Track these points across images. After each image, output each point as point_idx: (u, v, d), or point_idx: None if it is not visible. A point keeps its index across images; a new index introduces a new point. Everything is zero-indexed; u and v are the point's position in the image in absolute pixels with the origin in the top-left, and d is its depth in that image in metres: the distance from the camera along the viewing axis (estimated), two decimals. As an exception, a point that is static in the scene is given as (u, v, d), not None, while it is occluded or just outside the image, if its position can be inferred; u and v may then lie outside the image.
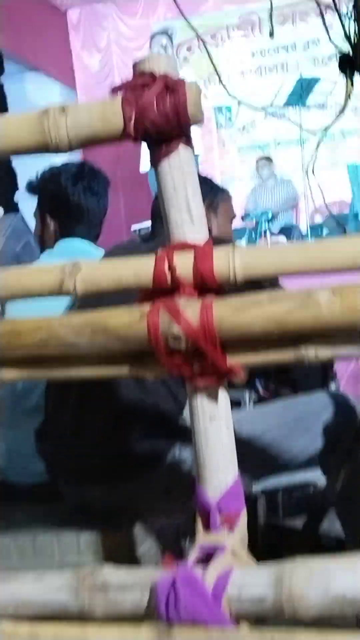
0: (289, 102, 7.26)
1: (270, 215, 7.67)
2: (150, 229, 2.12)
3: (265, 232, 7.58)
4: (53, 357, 1.17)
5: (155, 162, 1.20)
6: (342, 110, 1.58)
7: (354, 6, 1.51)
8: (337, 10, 1.54)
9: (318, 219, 8.36)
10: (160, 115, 1.16)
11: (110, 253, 1.92)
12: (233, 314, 1.10)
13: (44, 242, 2.33)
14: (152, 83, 1.18)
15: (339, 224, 6.20)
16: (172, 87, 1.17)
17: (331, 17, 1.76)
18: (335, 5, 1.55)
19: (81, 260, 1.19)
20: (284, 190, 8.07)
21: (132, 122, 1.17)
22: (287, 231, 7.76)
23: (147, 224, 4.68)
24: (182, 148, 1.18)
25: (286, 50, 8.45)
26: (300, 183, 7.85)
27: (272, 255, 1.13)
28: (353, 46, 1.55)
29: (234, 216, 2.36)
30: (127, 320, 1.14)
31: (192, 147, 1.20)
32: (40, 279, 1.20)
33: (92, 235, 2.23)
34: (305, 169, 7.66)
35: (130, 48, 9.16)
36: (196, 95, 1.17)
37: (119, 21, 9.09)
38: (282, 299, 1.09)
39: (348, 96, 1.56)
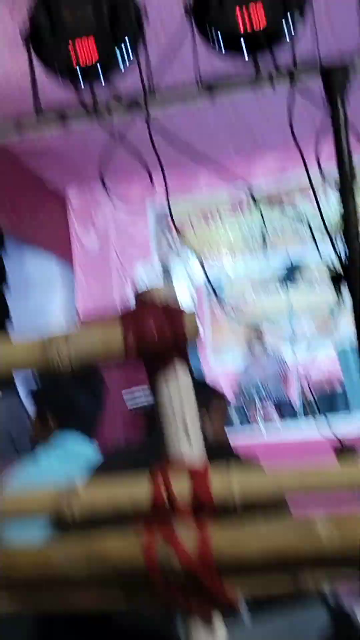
0: (277, 286, 7.50)
1: (261, 389, 7.72)
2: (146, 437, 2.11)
3: (256, 407, 7.59)
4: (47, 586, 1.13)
5: (151, 376, 1.22)
6: (332, 332, 1.62)
7: (344, 232, 1.59)
8: (329, 233, 1.62)
9: (312, 394, 8.39)
10: (158, 335, 1.19)
11: (106, 465, 1.90)
12: (232, 545, 1.08)
13: (37, 434, 2.32)
14: (153, 313, 1.21)
15: (329, 402, 6.25)
16: (172, 317, 1.21)
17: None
18: (326, 229, 1.63)
19: (78, 486, 1.18)
20: (275, 365, 8.16)
21: (133, 345, 1.20)
22: (280, 406, 7.78)
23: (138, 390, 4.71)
24: (178, 365, 1.20)
25: (275, 230, 8.79)
26: (291, 357, 7.96)
27: (269, 478, 1.13)
28: (343, 265, 1.62)
29: (229, 420, 2.37)
30: (124, 550, 1.11)
31: (188, 362, 1.22)
32: (37, 504, 1.19)
33: (89, 431, 2.22)
34: (295, 345, 7.79)
35: (126, 227, 9.54)
36: (194, 324, 1.21)
37: (116, 201, 9.49)
38: (282, 530, 1.07)
39: (339, 309, 1.61)
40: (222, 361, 9.22)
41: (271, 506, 1.39)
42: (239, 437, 6.63)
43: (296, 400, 7.76)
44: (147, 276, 7.08)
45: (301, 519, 1.08)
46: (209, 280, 7.27)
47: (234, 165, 9.19)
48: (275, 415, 7.58)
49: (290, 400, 7.96)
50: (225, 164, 9.09)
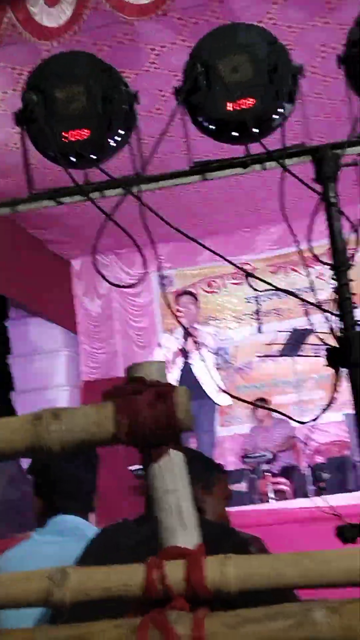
0: (284, 352, 7.51)
1: (269, 456, 7.64)
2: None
3: (265, 472, 7.50)
4: None
5: (145, 464, 1.21)
6: (329, 404, 1.62)
7: (338, 304, 1.61)
8: (321, 308, 1.64)
9: (319, 459, 8.32)
10: (151, 422, 1.18)
11: (101, 539, 1.88)
12: (227, 632, 1.05)
13: (36, 510, 2.30)
14: (143, 390, 1.21)
15: (339, 467, 6.17)
16: (163, 394, 1.20)
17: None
18: (318, 304, 1.64)
19: (69, 568, 1.16)
20: (282, 430, 8.11)
21: (125, 428, 1.19)
22: (288, 471, 7.69)
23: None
24: (172, 452, 1.19)
25: (279, 298, 8.85)
26: (297, 423, 7.89)
27: (268, 564, 1.11)
28: (339, 340, 1.63)
29: (230, 496, 2.33)
30: (116, 635, 1.09)
31: (182, 451, 1.21)
32: (27, 587, 1.16)
33: (87, 509, 2.20)
34: (303, 411, 7.74)
35: (129, 294, 9.62)
36: (186, 401, 1.20)
37: (119, 270, 9.60)
38: (279, 616, 1.05)
39: (335, 388, 1.61)
40: (229, 427, 9.18)
41: (270, 592, 1.36)
42: (246, 506, 6.58)
43: (305, 466, 7.68)
44: (166, 343, 7.12)
45: (299, 606, 1.06)
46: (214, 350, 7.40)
47: (238, 237, 9.39)
48: (283, 481, 7.49)
49: (298, 467, 7.88)
50: (231, 236, 9.30)
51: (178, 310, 7.02)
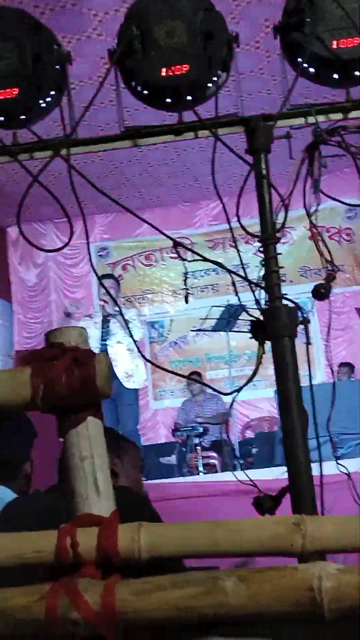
0: (217, 327, 7.54)
1: (200, 430, 7.69)
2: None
3: (196, 446, 7.55)
4: None
5: (63, 431, 1.19)
6: (253, 374, 1.62)
7: (264, 277, 1.60)
8: (247, 279, 1.63)
9: (249, 434, 8.42)
10: (68, 388, 1.16)
11: (10, 506, 1.86)
12: (136, 599, 1.05)
13: None
14: (61, 355, 1.19)
15: (267, 442, 6.25)
16: (82, 360, 1.18)
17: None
18: (245, 275, 1.64)
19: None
20: (214, 405, 8.16)
21: (41, 394, 1.17)
22: (218, 445, 7.76)
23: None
24: (90, 419, 1.18)
25: (217, 273, 8.87)
26: (228, 398, 7.97)
27: (179, 534, 1.11)
28: (263, 313, 1.63)
29: (141, 466, 2.34)
30: (25, 602, 1.08)
31: (101, 418, 1.20)
32: None
33: (6, 478, 2.16)
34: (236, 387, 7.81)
35: (66, 264, 9.51)
36: (105, 368, 1.18)
37: (56, 239, 9.48)
38: (187, 584, 1.05)
39: (259, 360, 1.61)
40: (162, 401, 9.22)
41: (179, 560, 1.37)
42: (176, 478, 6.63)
43: (235, 441, 7.76)
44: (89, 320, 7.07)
45: (208, 574, 1.06)
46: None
47: (178, 210, 9.37)
48: (212, 454, 7.55)
49: (228, 441, 7.96)
50: (170, 209, 9.26)
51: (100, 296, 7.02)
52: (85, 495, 1.15)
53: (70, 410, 1.18)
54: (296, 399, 1.63)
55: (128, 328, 6.27)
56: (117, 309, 6.66)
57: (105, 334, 6.90)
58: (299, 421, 1.59)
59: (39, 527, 1.16)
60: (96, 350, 6.38)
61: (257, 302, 1.64)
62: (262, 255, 1.92)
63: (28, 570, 1.13)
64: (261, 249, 1.79)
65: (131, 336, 6.15)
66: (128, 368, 6.83)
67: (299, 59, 1.76)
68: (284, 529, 1.07)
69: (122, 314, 6.71)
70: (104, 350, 6.72)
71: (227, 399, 8.04)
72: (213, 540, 1.09)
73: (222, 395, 8.29)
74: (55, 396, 1.17)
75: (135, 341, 6.65)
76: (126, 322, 6.26)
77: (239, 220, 1.68)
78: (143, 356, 6.64)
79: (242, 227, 1.74)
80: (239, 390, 1.81)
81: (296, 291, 8.87)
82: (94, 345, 6.79)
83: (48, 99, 1.86)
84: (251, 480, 1.95)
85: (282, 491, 1.71)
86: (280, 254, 1.75)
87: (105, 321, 6.90)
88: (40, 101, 1.85)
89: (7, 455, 2.14)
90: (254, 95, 6.53)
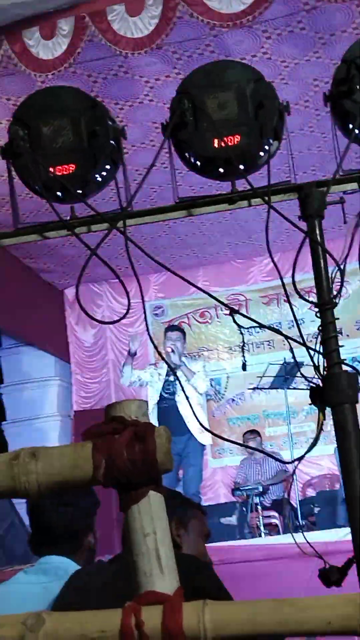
0: (275, 384, 7.48)
1: (260, 489, 7.58)
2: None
3: (256, 506, 7.44)
4: None
5: (124, 507, 1.18)
6: (315, 441, 1.60)
7: (322, 342, 1.59)
8: (306, 345, 1.62)
9: (310, 492, 8.26)
10: (129, 464, 1.16)
11: (76, 577, 1.85)
12: None
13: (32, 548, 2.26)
14: (122, 430, 1.19)
15: (330, 501, 6.12)
16: (142, 434, 1.18)
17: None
18: (303, 341, 1.63)
19: (45, 613, 1.13)
20: (273, 463, 8.05)
21: (102, 469, 1.17)
22: (279, 505, 7.63)
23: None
24: (152, 494, 1.17)
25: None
26: (288, 455, 7.86)
27: (244, 612, 1.09)
28: (323, 379, 1.62)
29: (207, 534, 2.29)
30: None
31: (162, 493, 1.19)
32: (1, 633, 1.13)
33: (68, 550, 2.15)
34: (294, 442, 7.70)
35: (122, 324, 9.59)
36: (166, 442, 1.18)
37: (113, 299, 9.60)
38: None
39: (320, 427, 1.59)
40: (220, 459, 9.13)
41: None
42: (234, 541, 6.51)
43: (296, 499, 7.63)
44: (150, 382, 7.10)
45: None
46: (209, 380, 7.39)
47: (231, 267, 9.43)
48: (274, 514, 7.42)
49: (289, 500, 7.83)
50: (224, 266, 9.32)
51: (167, 345, 7.02)
52: (148, 572, 1.14)
53: (131, 484, 1.18)
54: (359, 467, 1.60)
55: (185, 383, 6.24)
56: (181, 360, 6.64)
57: (172, 386, 6.90)
58: (364, 490, 1.56)
59: (104, 600, 1.15)
60: (154, 400, 6.37)
61: (316, 368, 1.63)
62: (314, 310, 1.92)
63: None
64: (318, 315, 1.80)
65: (184, 392, 6.13)
66: (202, 421, 6.77)
67: (350, 126, 1.78)
68: (352, 609, 1.04)
69: (186, 366, 6.68)
70: (172, 402, 6.72)
71: (287, 456, 7.93)
72: (280, 618, 1.06)
73: (282, 455, 8.21)
74: (116, 471, 1.17)
75: (187, 397, 6.61)
76: (188, 375, 6.23)
77: (293, 281, 1.68)
78: (196, 417, 6.58)
79: (297, 290, 1.73)
80: (300, 458, 1.79)
81: (353, 345, 8.84)
82: (156, 396, 6.80)
83: (104, 173, 1.91)
84: (313, 547, 1.91)
85: (348, 562, 1.67)
86: (337, 318, 1.74)
87: (171, 373, 6.89)
88: (97, 176, 1.90)
89: (67, 527, 2.13)
90: (305, 153, 6.59)
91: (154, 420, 6.82)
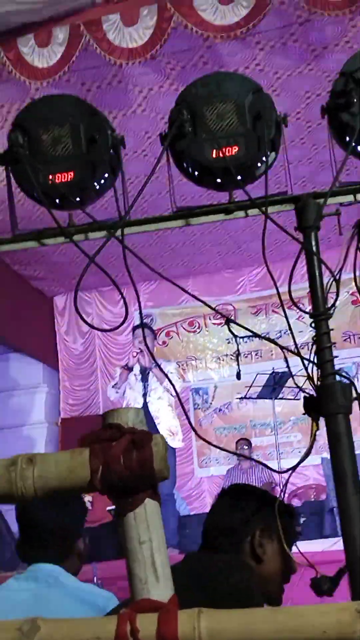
0: (263, 394, 7.49)
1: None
2: None
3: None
4: None
5: (120, 514, 1.19)
6: (308, 451, 1.61)
7: (316, 352, 1.61)
8: (300, 355, 1.63)
9: (295, 502, 8.27)
10: (125, 470, 1.17)
11: None
12: None
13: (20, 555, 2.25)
14: (119, 437, 1.20)
15: (315, 512, 6.12)
16: (139, 442, 1.19)
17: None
18: (298, 351, 1.64)
19: (40, 620, 1.13)
20: (260, 473, 8.06)
21: (99, 475, 1.18)
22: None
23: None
24: (148, 501, 1.18)
25: (260, 339, 8.86)
26: (275, 465, 7.87)
27: (239, 621, 1.09)
28: (317, 389, 1.63)
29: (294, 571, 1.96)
30: None
31: (159, 500, 1.20)
32: (-5, 639, 1.13)
33: (58, 555, 2.13)
34: (280, 452, 7.71)
35: (111, 333, 9.60)
36: (162, 450, 1.18)
37: (102, 308, 9.60)
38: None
39: (314, 437, 1.60)
40: (207, 469, 9.13)
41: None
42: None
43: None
44: (128, 383, 6.98)
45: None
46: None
47: (221, 277, 9.46)
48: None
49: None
50: (214, 276, 9.34)
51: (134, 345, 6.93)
52: (144, 579, 1.14)
53: (127, 491, 1.18)
54: (352, 477, 1.60)
55: (170, 380, 6.18)
56: (153, 361, 6.48)
57: (144, 388, 6.76)
58: (357, 501, 1.56)
59: None
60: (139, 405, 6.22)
61: (310, 378, 1.64)
62: (304, 321, 1.93)
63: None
64: (300, 315, 1.82)
65: (174, 387, 6.06)
66: (172, 425, 6.68)
67: (347, 138, 1.80)
68: (348, 617, 1.04)
69: (159, 366, 6.53)
70: (145, 406, 6.58)
71: (273, 466, 7.93)
72: (275, 627, 1.07)
73: (269, 465, 8.21)
74: (113, 478, 1.17)
75: (178, 394, 6.53)
76: (165, 374, 6.17)
77: (289, 292, 1.69)
78: (189, 420, 6.56)
79: (292, 301, 1.74)
80: (293, 468, 1.79)
81: (340, 356, 8.82)
82: (140, 400, 6.68)
83: (102, 182, 1.91)
84: (305, 557, 1.90)
85: (340, 572, 1.67)
86: (332, 329, 1.75)
87: (143, 375, 6.78)
88: (95, 184, 1.90)
89: (57, 531, 2.12)
90: (295, 164, 6.63)
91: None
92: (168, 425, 6.63)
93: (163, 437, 1.21)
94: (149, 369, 6.77)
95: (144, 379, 6.79)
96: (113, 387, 7.07)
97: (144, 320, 9.28)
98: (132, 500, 1.18)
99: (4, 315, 8.22)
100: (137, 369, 6.89)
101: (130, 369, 6.84)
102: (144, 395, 6.75)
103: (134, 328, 7.22)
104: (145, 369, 6.78)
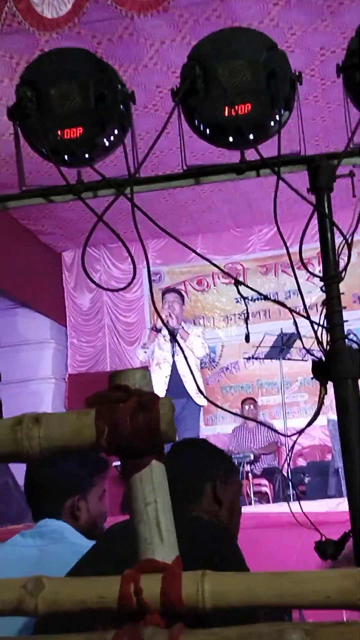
0: (270, 355, 7.48)
1: (252, 457, 7.63)
2: None
3: (247, 473, 7.50)
4: None
5: (126, 475, 1.19)
6: (315, 415, 1.61)
7: (326, 316, 1.59)
8: (310, 319, 1.62)
9: (301, 462, 8.32)
10: (132, 432, 1.16)
11: (104, 538, 1.83)
12: (200, 651, 1.04)
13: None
14: (126, 398, 1.19)
15: (320, 472, 6.16)
16: (146, 404, 1.18)
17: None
18: (307, 315, 1.62)
19: (45, 578, 1.14)
20: (266, 432, 8.10)
21: (105, 436, 1.17)
22: (270, 473, 7.69)
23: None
24: (154, 463, 1.17)
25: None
26: (281, 425, 7.90)
27: (243, 584, 1.09)
28: (326, 354, 1.61)
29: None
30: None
31: (164, 462, 1.19)
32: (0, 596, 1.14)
33: (52, 510, 2.14)
34: (286, 412, 7.74)
35: (119, 289, 9.60)
36: (169, 412, 1.18)
37: (110, 264, 9.57)
38: (253, 636, 1.03)
39: (322, 401, 1.59)
40: (213, 427, 9.18)
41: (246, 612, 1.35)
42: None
43: (287, 469, 7.68)
44: (157, 343, 7.14)
45: (273, 627, 1.04)
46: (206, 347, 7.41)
47: (230, 235, 9.39)
48: (264, 482, 7.48)
49: (280, 469, 7.88)
50: (223, 234, 9.28)
51: (164, 309, 7.06)
52: (149, 540, 1.14)
53: (134, 453, 1.18)
54: (359, 442, 1.60)
55: (180, 348, 6.28)
56: (180, 324, 6.73)
57: (172, 348, 6.99)
58: (364, 466, 1.56)
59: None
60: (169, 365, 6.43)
61: (319, 343, 1.63)
62: (313, 282, 1.91)
63: (93, 615, 1.13)
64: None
65: (180, 348, 6.21)
66: (198, 384, 6.89)
67: (364, 98, 1.76)
68: (351, 583, 1.04)
69: (184, 330, 6.74)
70: (174, 365, 6.82)
71: (279, 426, 7.98)
72: (278, 591, 1.07)
73: (275, 424, 8.24)
74: (119, 439, 1.16)
75: (186, 357, 6.66)
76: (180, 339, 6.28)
77: (300, 253, 1.67)
78: (195, 380, 6.62)
79: (303, 263, 1.72)
80: (300, 432, 1.79)
81: (350, 317, 8.79)
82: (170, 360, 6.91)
83: (112, 138, 1.88)
84: (308, 519, 1.92)
85: (344, 536, 1.68)
86: (342, 293, 1.73)
87: (172, 336, 6.96)
88: (104, 140, 1.87)
89: (49, 486, 2.12)
90: (308, 123, 6.53)
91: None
92: (194, 384, 6.74)
93: (170, 399, 1.21)
94: (176, 330, 6.91)
95: (173, 339, 6.93)
96: (142, 347, 7.30)
97: (154, 280, 9.26)
98: (139, 462, 1.18)
99: (11, 271, 8.20)
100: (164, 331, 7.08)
101: (158, 330, 7.04)
102: (173, 355, 6.92)
103: (164, 292, 7.28)
104: (174, 330, 6.92)
